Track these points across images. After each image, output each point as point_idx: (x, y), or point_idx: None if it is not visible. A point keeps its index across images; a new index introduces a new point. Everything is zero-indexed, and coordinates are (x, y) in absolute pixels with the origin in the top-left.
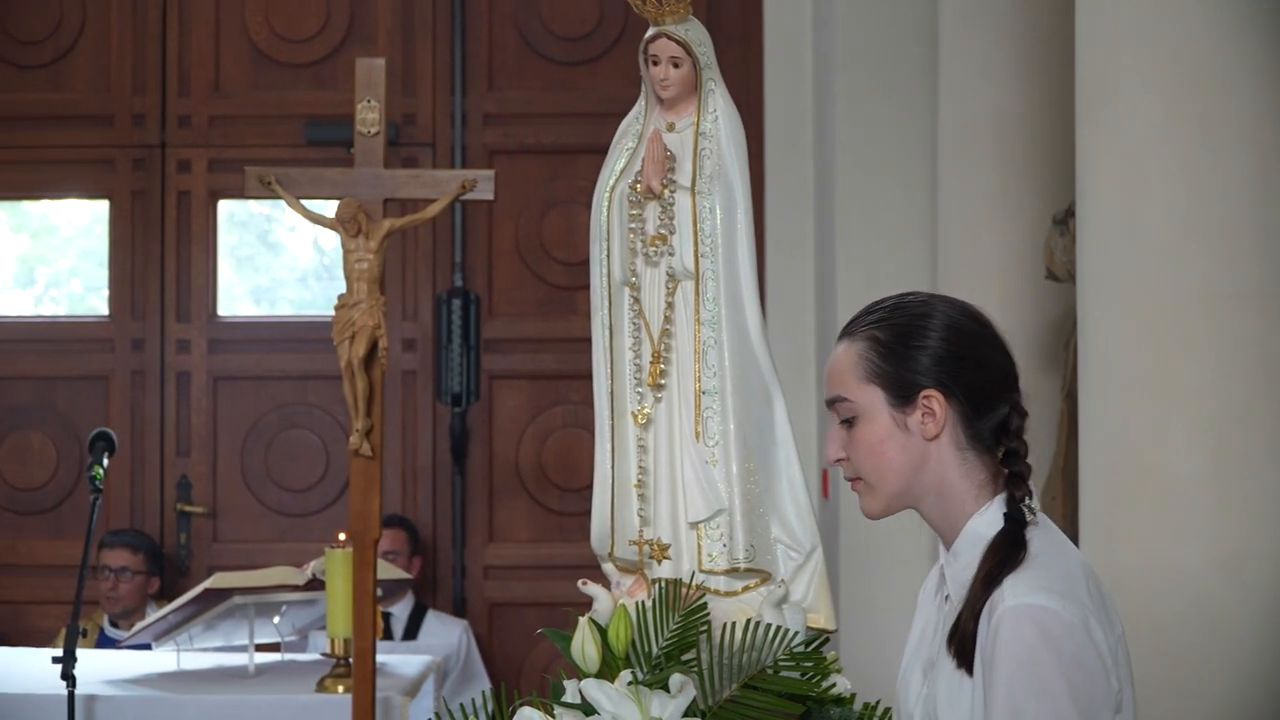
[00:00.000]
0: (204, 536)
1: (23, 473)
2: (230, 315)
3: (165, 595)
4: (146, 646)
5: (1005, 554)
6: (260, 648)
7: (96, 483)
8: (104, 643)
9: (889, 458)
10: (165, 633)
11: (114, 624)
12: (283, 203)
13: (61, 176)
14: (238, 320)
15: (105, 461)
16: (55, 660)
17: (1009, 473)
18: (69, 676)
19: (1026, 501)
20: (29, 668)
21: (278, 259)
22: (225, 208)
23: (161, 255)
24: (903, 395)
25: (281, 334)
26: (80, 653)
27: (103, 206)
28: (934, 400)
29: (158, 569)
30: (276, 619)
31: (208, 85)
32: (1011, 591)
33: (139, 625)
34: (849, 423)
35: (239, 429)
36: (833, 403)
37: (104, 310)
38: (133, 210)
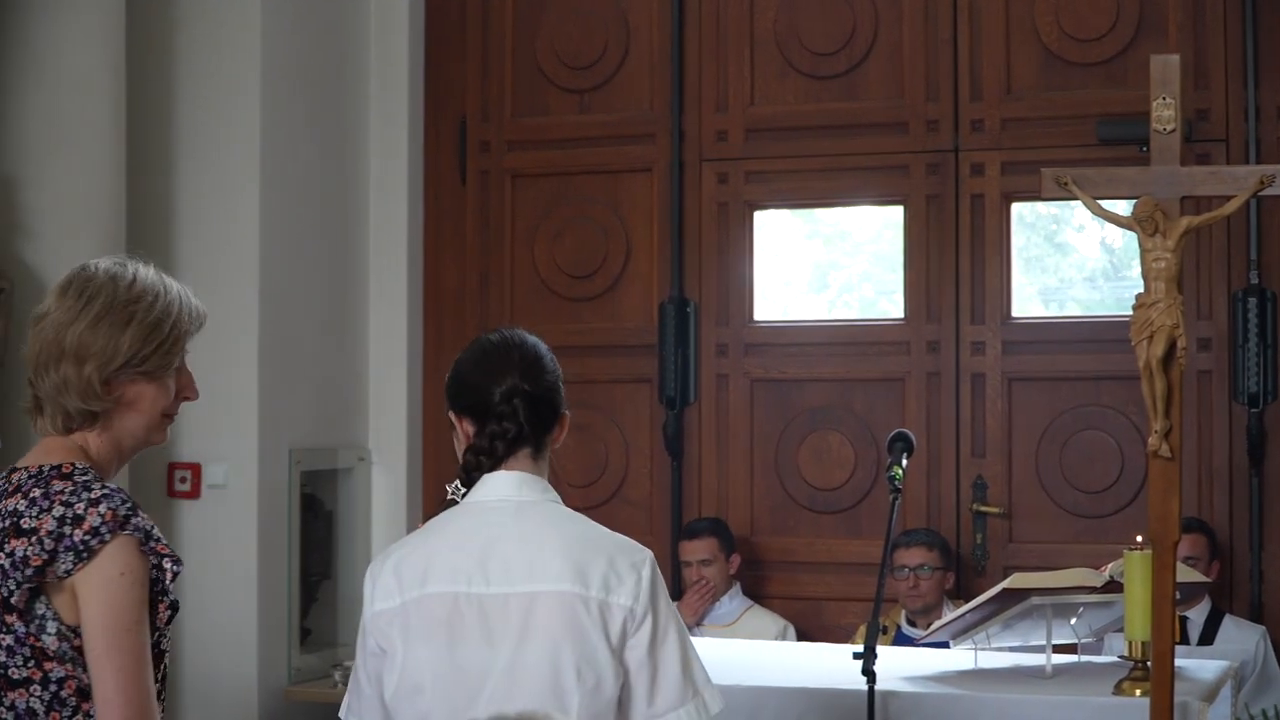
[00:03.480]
0: (999, 537)
1: (822, 473)
2: (1022, 316)
3: (960, 594)
4: (944, 644)
5: None
6: (1057, 648)
7: (896, 483)
8: (901, 640)
9: None
10: (963, 631)
11: (910, 622)
12: (1071, 203)
13: (857, 184)
14: (1030, 321)
15: (904, 462)
16: (856, 656)
17: None
18: (869, 672)
19: (456, 488)
20: (830, 663)
21: (1066, 259)
22: (1014, 209)
23: (956, 258)
24: None
25: (1073, 334)
26: (879, 649)
27: (893, 212)
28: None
29: (952, 565)
30: (1073, 620)
31: (999, 88)
32: None
33: (937, 624)
34: None
35: (1033, 430)
36: None
37: (895, 313)
38: (927, 215)
